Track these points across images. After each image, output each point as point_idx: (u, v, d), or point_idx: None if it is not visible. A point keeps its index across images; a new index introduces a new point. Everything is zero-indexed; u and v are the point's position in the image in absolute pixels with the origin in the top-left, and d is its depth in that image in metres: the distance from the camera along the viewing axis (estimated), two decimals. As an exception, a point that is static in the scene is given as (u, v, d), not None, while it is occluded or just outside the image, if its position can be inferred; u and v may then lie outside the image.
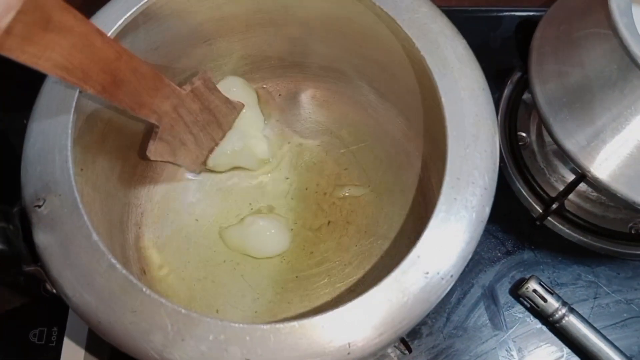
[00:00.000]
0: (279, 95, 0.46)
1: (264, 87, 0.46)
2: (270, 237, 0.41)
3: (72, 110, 0.29)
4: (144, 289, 0.24)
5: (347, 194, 0.43)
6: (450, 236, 0.25)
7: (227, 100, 0.41)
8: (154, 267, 0.41)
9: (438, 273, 0.24)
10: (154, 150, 0.38)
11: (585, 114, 0.38)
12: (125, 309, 0.24)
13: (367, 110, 0.45)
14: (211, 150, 0.42)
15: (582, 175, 0.39)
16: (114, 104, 0.31)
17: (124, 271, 0.25)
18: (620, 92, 0.36)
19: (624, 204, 0.43)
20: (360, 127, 0.45)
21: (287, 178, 0.44)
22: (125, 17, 0.33)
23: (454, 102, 0.27)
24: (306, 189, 0.44)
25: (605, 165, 0.37)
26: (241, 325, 0.23)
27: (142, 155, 0.40)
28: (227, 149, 0.43)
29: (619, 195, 0.37)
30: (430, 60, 0.28)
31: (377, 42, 0.36)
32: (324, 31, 0.40)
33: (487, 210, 0.26)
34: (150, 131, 0.38)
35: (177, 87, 0.36)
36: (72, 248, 0.26)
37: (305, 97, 0.46)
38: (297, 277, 0.41)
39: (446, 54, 0.29)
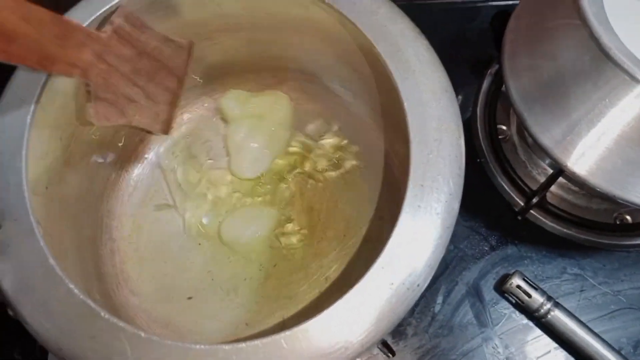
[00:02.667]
0: (252, 99, 0.46)
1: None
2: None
3: (26, 130, 0.28)
4: (103, 314, 0.24)
5: (324, 198, 0.43)
6: (415, 245, 0.25)
7: (166, 39, 0.35)
8: (132, 281, 0.40)
9: (403, 283, 0.24)
10: (95, 112, 0.31)
11: (560, 108, 0.37)
12: (84, 335, 0.24)
13: (341, 111, 0.44)
14: (173, 104, 0.36)
15: (561, 170, 0.38)
16: (15, 63, 0.26)
17: (82, 296, 0.24)
18: (593, 84, 0.35)
19: (604, 197, 0.42)
20: (334, 129, 0.44)
21: (262, 182, 0.43)
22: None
23: (416, 106, 0.27)
24: (283, 195, 0.43)
25: (582, 159, 0.36)
26: (202, 346, 0.23)
27: (83, 122, 0.35)
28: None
29: (597, 189, 0.36)
30: (391, 63, 0.28)
31: (343, 43, 0.35)
32: (292, 34, 0.39)
33: (453, 216, 0.25)
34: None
35: (93, 31, 0.31)
36: (29, 274, 0.25)
37: (279, 101, 0.46)
38: (277, 284, 0.40)
39: (407, 57, 0.28)
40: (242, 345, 0.23)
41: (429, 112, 0.27)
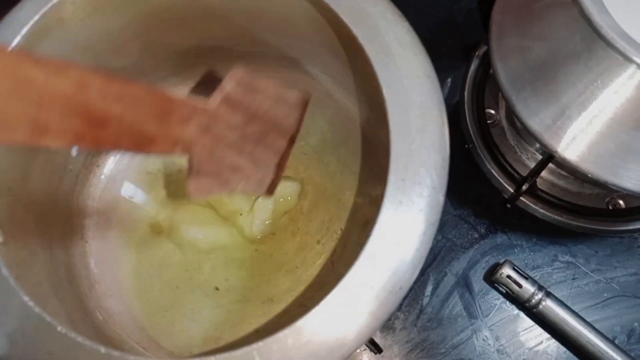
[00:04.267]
0: (229, 88, 0.43)
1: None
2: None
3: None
4: (59, 329, 0.22)
5: (307, 191, 0.41)
6: (396, 244, 0.23)
7: (281, 96, 0.30)
8: (105, 283, 0.38)
9: (385, 287, 0.22)
10: (196, 188, 0.28)
11: (550, 91, 0.35)
12: (41, 351, 0.22)
13: (323, 99, 0.42)
14: (281, 165, 0.32)
15: (551, 155, 0.37)
16: (108, 151, 0.23)
17: (37, 309, 0.22)
18: (585, 65, 0.34)
19: (596, 183, 0.41)
20: (317, 118, 0.42)
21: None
22: (36, 18, 0.30)
23: (397, 92, 0.25)
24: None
25: (573, 144, 0.35)
26: (169, 361, 0.21)
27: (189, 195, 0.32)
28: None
29: (588, 175, 0.35)
30: (369, 48, 0.26)
31: (320, 28, 0.33)
32: (269, 18, 0.37)
33: (438, 211, 0.24)
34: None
35: (200, 103, 0.26)
36: (-19, 285, 0.23)
37: (257, 89, 0.43)
38: (257, 282, 0.39)
39: (387, 40, 0.26)
40: (211, 358, 0.21)
41: (411, 98, 0.25)
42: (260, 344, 0.21)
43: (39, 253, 0.34)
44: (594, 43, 0.32)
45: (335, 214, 0.40)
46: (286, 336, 0.21)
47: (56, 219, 0.37)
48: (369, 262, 0.22)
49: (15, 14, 0.31)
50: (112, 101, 0.21)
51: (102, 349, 0.21)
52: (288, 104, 0.31)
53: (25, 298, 0.23)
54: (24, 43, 0.30)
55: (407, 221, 0.23)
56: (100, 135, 0.21)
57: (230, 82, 0.28)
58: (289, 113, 0.31)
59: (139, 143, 0.23)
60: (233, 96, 0.28)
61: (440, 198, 0.24)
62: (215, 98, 0.27)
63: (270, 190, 0.32)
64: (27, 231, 0.33)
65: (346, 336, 0.21)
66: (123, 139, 0.22)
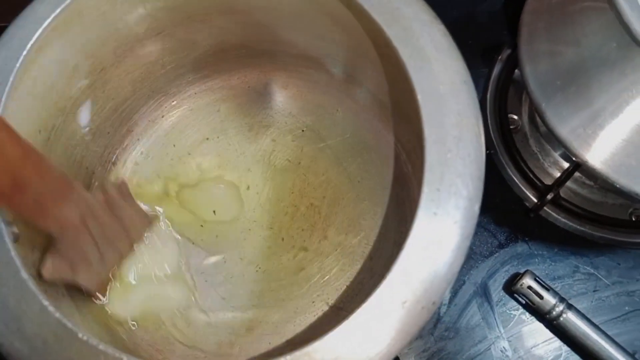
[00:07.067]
0: (248, 87, 0.43)
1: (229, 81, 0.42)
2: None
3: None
4: (80, 335, 0.21)
5: (325, 194, 0.40)
6: (430, 257, 0.22)
7: (140, 210, 0.36)
8: (122, 280, 0.37)
9: (418, 301, 0.21)
10: (51, 268, 0.30)
11: (582, 98, 0.34)
12: (60, 358, 0.21)
13: (344, 100, 0.41)
14: (113, 270, 0.35)
15: (578, 164, 0.36)
16: (12, 211, 0.25)
17: (58, 314, 0.22)
18: (620, 73, 0.33)
19: (621, 193, 0.40)
20: (337, 119, 0.41)
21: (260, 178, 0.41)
22: (55, 14, 0.29)
23: (432, 99, 0.24)
24: (281, 190, 0.40)
25: (604, 154, 0.34)
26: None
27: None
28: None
29: (618, 186, 0.34)
30: (403, 50, 0.25)
31: (347, 27, 0.32)
32: (292, 16, 0.36)
33: (473, 224, 0.23)
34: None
35: (88, 195, 0.31)
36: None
37: (277, 88, 0.43)
38: (274, 287, 0.38)
39: (422, 43, 0.25)
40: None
41: (447, 106, 0.24)
42: (289, 357, 0.20)
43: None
44: (630, 51, 0.31)
45: (354, 217, 0.39)
46: (315, 350, 0.20)
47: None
48: (401, 277, 0.21)
49: (36, 7, 0.30)
50: (36, 173, 0.25)
51: (125, 357, 0.21)
52: (142, 216, 0.36)
53: (45, 303, 0.22)
54: (44, 38, 0.29)
55: (441, 234, 0.22)
56: (15, 198, 0.24)
57: (113, 187, 0.34)
58: (141, 224, 0.36)
59: (36, 213, 0.26)
60: (111, 197, 0.33)
61: (476, 210, 0.23)
62: (99, 195, 0.33)
63: (102, 290, 0.35)
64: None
65: (376, 352, 0.21)
66: (28, 206, 0.25)
